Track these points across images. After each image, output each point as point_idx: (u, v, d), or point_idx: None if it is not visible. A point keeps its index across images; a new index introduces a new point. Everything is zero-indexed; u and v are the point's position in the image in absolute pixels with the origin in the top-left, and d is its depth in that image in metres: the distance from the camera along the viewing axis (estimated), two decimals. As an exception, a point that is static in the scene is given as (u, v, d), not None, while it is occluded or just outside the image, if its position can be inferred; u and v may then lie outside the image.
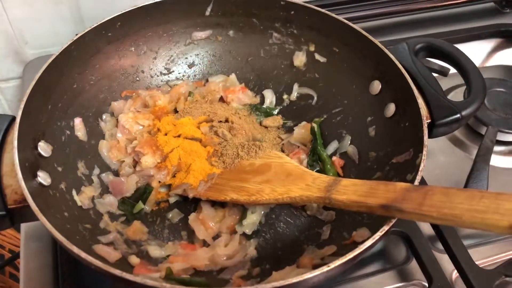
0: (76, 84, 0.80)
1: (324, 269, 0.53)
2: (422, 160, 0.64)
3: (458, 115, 0.73)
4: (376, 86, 0.80)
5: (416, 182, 0.62)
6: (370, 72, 0.81)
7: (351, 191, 0.61)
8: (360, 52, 0.83)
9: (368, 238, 0.57)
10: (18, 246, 1.15)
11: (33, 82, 0.70)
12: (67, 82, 0.78)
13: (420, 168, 0.63)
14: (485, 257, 0.79)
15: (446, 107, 0.74)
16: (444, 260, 0.75)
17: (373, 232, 0.57)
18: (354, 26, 0.82)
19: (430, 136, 0.72)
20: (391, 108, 0.77)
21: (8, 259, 1.05)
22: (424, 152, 0.65)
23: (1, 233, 1.15)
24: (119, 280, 0.53)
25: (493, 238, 0.82)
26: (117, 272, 0.52)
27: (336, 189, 0.63)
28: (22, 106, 0.67)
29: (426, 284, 0.73)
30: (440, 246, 0.77)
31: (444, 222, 0.53)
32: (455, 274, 0.75)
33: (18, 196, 0.62)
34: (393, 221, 0.58)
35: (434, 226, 0.78)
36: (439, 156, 0.95)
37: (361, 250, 0.55)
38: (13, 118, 0.69)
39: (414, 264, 0.76)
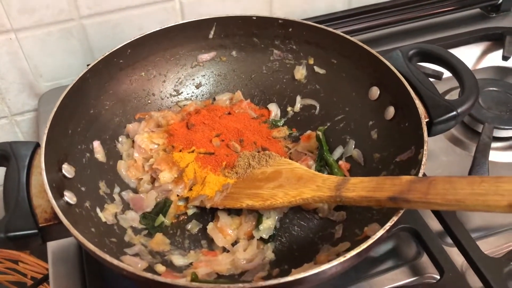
0: (92, 110, 0.84)
1: (341, 259, 0.56)
2: (424, 155, 0.68)
3: (455, 112, 0.77)
4: (375, 92, 0.84)
5: (420, 175, 0.66)
6: (368, 79, 0.86)
7: (360, 187, 0.64)
8: (357, 62, 0.87)
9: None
10: (40, 273, 1.17)
11: (54, 109, 0.74)
12: (84, 108, 0.83)
13: (423, 163, 0.67)
14: (493, 247, 0.80)
15: (442, 106, 0.77)
16: (454, 253, 0.77)
17: (384, 225, 0.60)
18: (350, 37, 0.86)
19: (429, 135, 0.75)
20: (390, 111, 0.81)
21: (31, 285, 1.08)
22: (425, 147, 0.68)
23: (23, 261, 1.18)
24: (150, 284, 0.56)
25: (499, 229, 0.84)
26: (148, 275, 0.55)
27: (346, 187, 0.66)
28: (46, 131, 0.71)
29: (438, 277, 0.75)
30: (448, 240, 0.79)
31: (449, 207, 0.56)
32: (465, 265, 0.77)
33: (48, 215, 0.66)
34: (401, 212, 0.61)
35: (442, 221, 0.80)
36: (440, 156, 0.99)
37: (374, 240, 0.58)
38: (37, 144, 0.74)
39: (425, 259, 0.78)
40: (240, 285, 0.54)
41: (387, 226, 0.60)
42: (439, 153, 0.99)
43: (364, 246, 0.58)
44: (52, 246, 0.83)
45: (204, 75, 0.98)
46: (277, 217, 0.78)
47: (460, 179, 0.57)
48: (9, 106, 1.11)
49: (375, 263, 0.80)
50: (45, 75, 1.08)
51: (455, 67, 0.82)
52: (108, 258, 0.58)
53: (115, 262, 0.57)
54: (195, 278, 0.66)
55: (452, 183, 0.57)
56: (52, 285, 0.79)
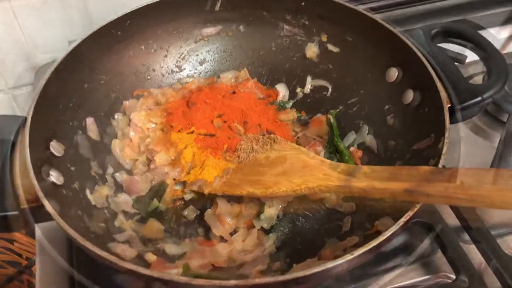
0: (87, 84, 0.80)
1: (348, 257, 0.52)
2: (444, 144, 0.63)
3: (479, 98, 0.71)
4: (393, 74, 0.80)
5: (440, 166, 0.61)
6: (385, 60, 0.81)
7: (372, 177, 0.60)
8: (374, 40, 0.82)
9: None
10: (34, 253, 1.15)
11: (43, 82, 0.70)
12: (78, 82, 0.78)
13: (443, 152, 0.62)
14: (515, 246, 0.76)
15: (466, 90, 0.72)
16: (471, 251, 0.73)
17: (397, 220, 0.56)
18: (367, 13, 0.81)
19: (451, 122, 0.70)
20: (409, 95, 0.76)
21: (24, 266, 1.05)
22: (447, 135, 0.64)
23: (18, 241, 1.15)
24: (135, 276, 0.52)
25: (521, 227, 0.79)
26: (132, 267, 0.51)
27: (356, 177, 0.61)
28: (33, 105, 0.67)
29: (453, 276, 0.71)
30: (466, 236, 0.75)
31: (472, 203, 0.52)
32: (483, 265, 0.72)
33: (31, 196, 0.61)
34: (418, 206, 0.56)
35: (460, 216, 0.76)
36: (459, 146, 0.93)
37: (386, 237, 0.54)
38: (25, 119, 0.69)
39: (439, 256, 0.74)
40: (233, 281, 0.49)
41: (401, 221, 0.55)
42: (457, 143, 0.93)
43: (374, 243, 0.54)
44: (39, 225, 0.79)
45: (208, 51, 0.93)
46: (280, 206, 0.74)
47: (485, 173, 0.53)
48: (5, 79, 1.07)
49: (385, 259, 0.76)
50: (41, 46, 1.03)
51: (482, 47, 0.77)
52: (89, 246, 0.53)
53: (97, 251, 0.53)
54: (187, 270, 0.61)
55: (477, 176, 0.53)
56: (38, 267, 0.75)
